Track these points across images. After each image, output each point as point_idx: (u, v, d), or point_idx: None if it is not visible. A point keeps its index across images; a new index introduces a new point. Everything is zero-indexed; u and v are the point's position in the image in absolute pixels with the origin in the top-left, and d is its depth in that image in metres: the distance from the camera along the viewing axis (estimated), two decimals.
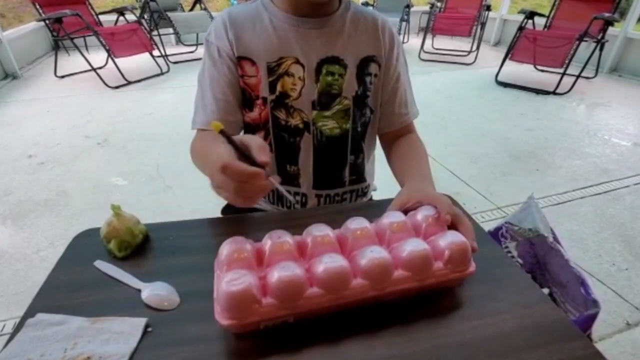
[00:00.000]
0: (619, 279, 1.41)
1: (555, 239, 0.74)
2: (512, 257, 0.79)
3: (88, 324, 0.43)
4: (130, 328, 0.43)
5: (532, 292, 0.50)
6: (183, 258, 0.55)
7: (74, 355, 0.40)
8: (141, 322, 0.44)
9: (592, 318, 0.60)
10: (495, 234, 0.80)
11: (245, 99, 0.71)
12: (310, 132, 0.72)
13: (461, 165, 2.20)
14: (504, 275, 0.53)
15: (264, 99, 0.69)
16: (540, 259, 0.78)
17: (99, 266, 0.52)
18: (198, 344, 0.42)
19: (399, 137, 0.77)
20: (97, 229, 0.56)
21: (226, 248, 0.46)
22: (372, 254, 0.44)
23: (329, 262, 0.43)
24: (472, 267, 0.48)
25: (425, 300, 0.48)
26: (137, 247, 0.56)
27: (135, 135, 2.49)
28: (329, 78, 0.69)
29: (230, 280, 0.41)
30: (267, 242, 0.48)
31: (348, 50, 0.69)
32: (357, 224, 0.50)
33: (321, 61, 0.68)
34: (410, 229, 0.50)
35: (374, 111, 0.76)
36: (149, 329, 0.43)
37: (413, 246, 0.45)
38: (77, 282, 0.50)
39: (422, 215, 0.51)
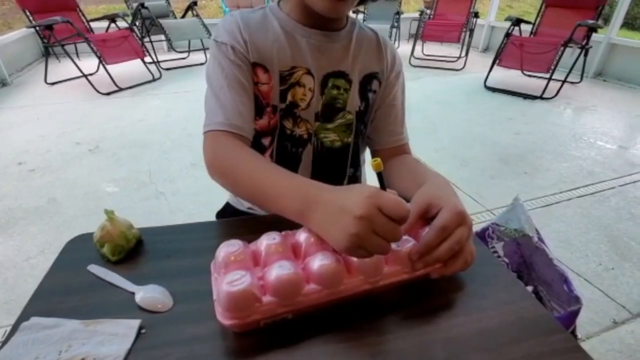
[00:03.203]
0: (605, 279, 1.44)
1: (540, 238, 0.76)
2: (499, 256, 0.81)
3: (82, 327, 0.44)
4: (124, 329, 0.44)
5: (516, 289, 0.52)
6: (176, 261, 0.55)
7: (68, 357, 0.40)
8: (135, 323, 0.44)
9: (575, 314, 0.62)
10: (482, 234, 0.83)
11: (256, 105, 0.68)
12: (312, 144, 0.72)
13: (451, 168, 2.23)
14: (490, 273, 0.54)
15: (274, 107, 0.68)
16: (526, 259, 0.81)
17: (93, 270, 0.53)
18: (193, 344, 0.43)
19: (394, 155, 0.74)
20: (91, 234, 0.57)
21: (223, 250, 0.47)
22: None
23: (324, 260, 0.44)
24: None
25: (415, 298, 0.49)
26: (131, 251, 0.56)
27: (127, 142, 2.48)
28: (334, 92, 0.69)
29: (230, 281, 0.42)
30: (263, 243, 0.49)
31: (354, 67, 0.69)
32: None
33: (328, 74, 0.68)
34: None
35: (367, 125, 0.76)
36: (143, 331, 0.44)
37: (400, 243, 0.47)
38: (71, 286, 0.50)
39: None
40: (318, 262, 0.44)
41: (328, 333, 0.44)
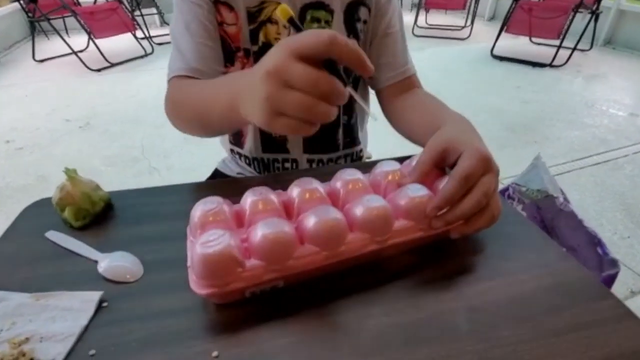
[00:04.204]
0: (621, 247, 1.37)
1: (566, 199, 0.68)
2: None
3: (31, 301, 0.36)
4: (81, 304, 0.36)
5: (549, 249, 0.44)
6: (150, 226, 0.48)
7: (9, 337, 0.33)
8: (95, 296, 0.37)
9: (612, 278, 0.55)
10: (502, 195, 0.75)
11: (225, 50, 0.61)
12: None
13: None
14: (515, 232, 0.47)
15: (246, 51, 0.61)
16: (547, 223, 0.73)
17: (51, 237, 0.45)
18: (163, 318, 0.35)
19: (403, 92, 0.65)
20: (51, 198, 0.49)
21: (199, 209, 0.39)
22: (370, 203, 0.38)
23: (321, 215, 0.36)
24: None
25: (429, 260, 0.42)
26: (97, 216, 0.48)
27: (119, 118, 2.39)
28: (315, 25, 0.61)
29: (205, 242, 0.34)
30: (247, 200, 0.41)
31: None
32: (349, 174, 0.43)
33: (305, 6, 0.60)
34: (407, 177, 0.43)
35: None
36: (104, 304, 0.37)
37: (413, 192, 0.39)
38: (23, 255, 0.43)
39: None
40: (314, 217, 0.36)
41: (326, 304, 0.37)
